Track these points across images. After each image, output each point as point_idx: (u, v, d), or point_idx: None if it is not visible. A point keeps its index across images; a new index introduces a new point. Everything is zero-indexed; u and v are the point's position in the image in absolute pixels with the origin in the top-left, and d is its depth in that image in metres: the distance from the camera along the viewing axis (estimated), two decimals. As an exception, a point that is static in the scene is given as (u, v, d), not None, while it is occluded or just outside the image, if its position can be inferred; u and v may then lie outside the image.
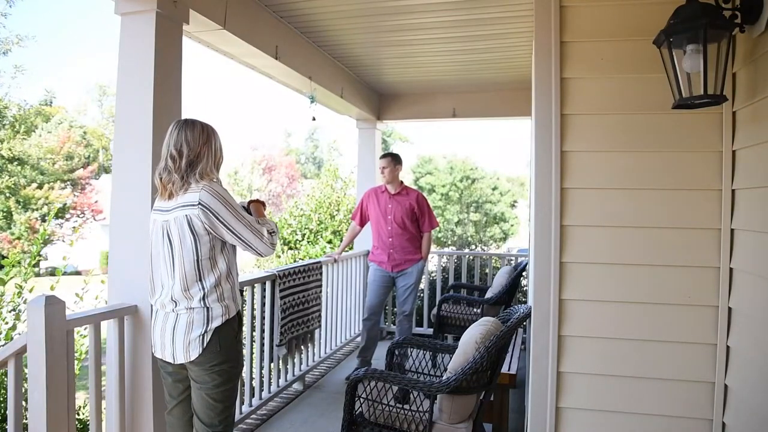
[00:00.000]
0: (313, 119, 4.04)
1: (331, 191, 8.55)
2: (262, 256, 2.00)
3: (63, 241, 20.26)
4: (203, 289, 1.88)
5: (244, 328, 3.16)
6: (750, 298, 1.87)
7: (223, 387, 1.94)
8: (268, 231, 1.97)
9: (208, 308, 1.88)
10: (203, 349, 1.87)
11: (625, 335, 2.14)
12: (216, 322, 1.88)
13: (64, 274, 3.89)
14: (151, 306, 2.05)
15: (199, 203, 1.85)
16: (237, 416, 3.04)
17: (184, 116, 2.46)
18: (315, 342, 4.14)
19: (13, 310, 3.52)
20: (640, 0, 2.09)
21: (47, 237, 19.17)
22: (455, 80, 5.03)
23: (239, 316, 2.00)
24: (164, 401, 2.11)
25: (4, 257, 3.80)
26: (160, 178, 1.93)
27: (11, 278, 3.63)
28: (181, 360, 1.90)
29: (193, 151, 1.91)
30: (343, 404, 2.23)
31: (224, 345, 1.90)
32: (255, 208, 2.11)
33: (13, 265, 3.69)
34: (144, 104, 2.30)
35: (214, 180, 1.95)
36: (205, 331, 1.87)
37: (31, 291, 3.61)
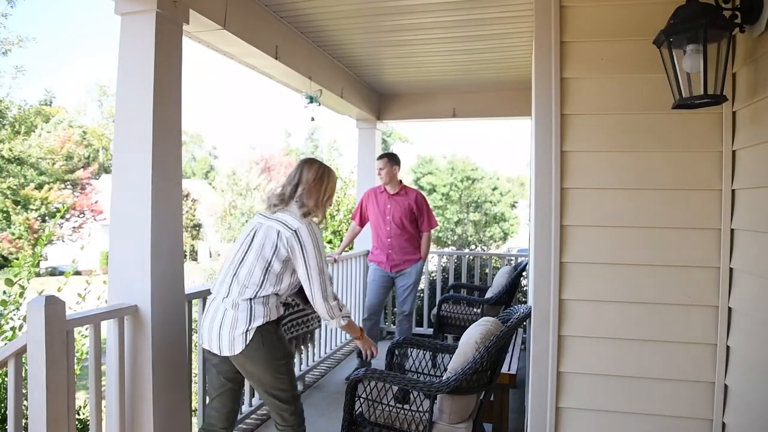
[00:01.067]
0: (312, 119, 4.04)
1: (331, 191, 8.54)
2: (315, 308, 2.15)
3: (63, 241, 20.25)
4: (257, 294, 2.06)
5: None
6: (750, 298, 1.87)
7: (276, 377, 2.09)
8: (336, 299, 2.15)
9: (251, 308, 2.04)
10: (246, 346, 2.02)
11: (625, 335, 2.14)
12: (257, 322, 2.03)
13: (61, 274, 3.92)
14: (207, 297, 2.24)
15: (296, 231, 2.07)
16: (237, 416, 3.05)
17: (184, 116, 2.48)
18: (315, 342, 4.13)
19: (16, 310, 3.53)
20: (640, 0, 2.09)
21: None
22: (455, 80, 5.03)
23: (279, 318, 2.14)
24: (207, 390, 2.28)
25: (5, 258, 3.81)
26: (269, 197, 2.22)
27: (19, 279, 3.64)
28: (227, 353, 2.05)
29: (304, 185, 2.18)
30: (343, 404, 2.23)
31: (267, 342, 2.05)
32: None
33: (16, 265, 3.70)
34: (144, 104, 2.30)
35: (316, 220, 2.19)
36: (248, 330, 2.02)
37: (41, 293, 3.62)
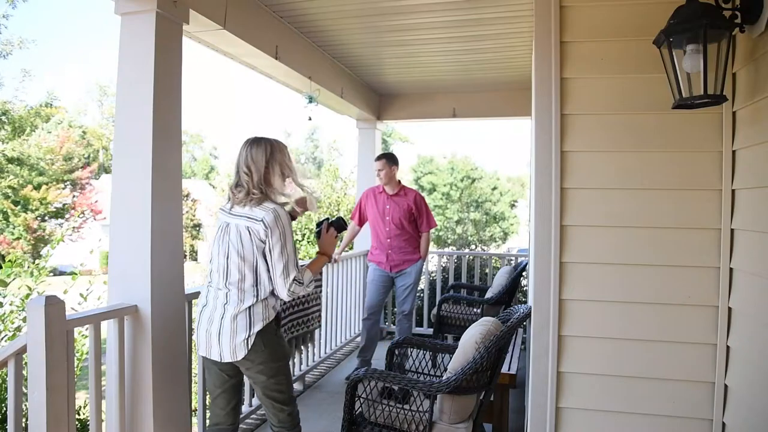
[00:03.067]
0: (309, 119, 4.03)
1: (331, 191, 8.55)
2: (278, 295, 2.09)
3: (63, 241, 20.23)
4: (256, 298, 2.03)
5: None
6: (750, 298, 1.87)
7: (275, 378, 2.09)
8: (295, 279, 2.05)
9: (251, 315, 2.02)
10: (249, 351, 2.02)
11: (625, 335, 2.14)
12: (257, 327, 2.02)
13: (62, 274, 3.94)
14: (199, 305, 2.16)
15: (263, 221, 2.01)
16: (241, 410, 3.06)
17: (184, 116, 2.47)
18: (315, 342, 4.14)
19: (22, 311, 3.55)
20: (640, 0, 2.09)
21: (47, 237, 19.16)
22: (455, 80, 5.02)
23: (277, 317, 2.12)
24: (209, 390, 2.26)
25: (4, 258, 3.82)
26: (231, 191, 2.12)
27: (13, 279, 3.64)
28: (228, 359, 2.04)
29: (257, 172, 2.08)
30: (343, 404, 2.23)
31: (268, 344, 2.05)
32: (318, 259, 2.27)
33: (18, 265, 3.71)
34: (144, 104, 2.30)
35: (283, 199, 2.13)
36: (249, 336, 2.01)
37: (41, 294, 3.64)
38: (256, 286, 2.05)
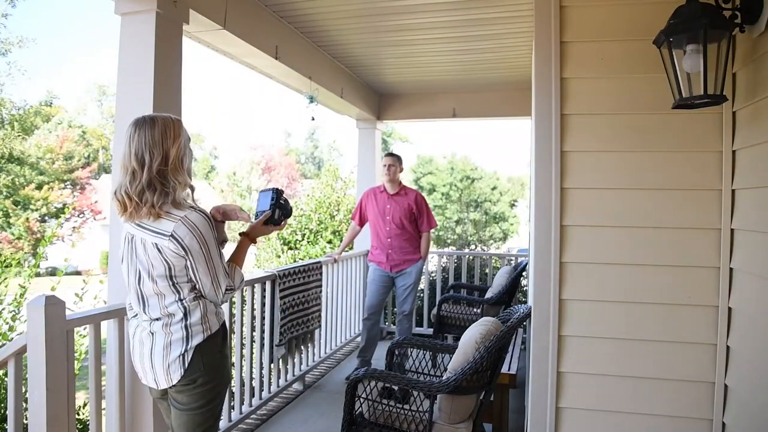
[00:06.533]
0: (312, 119, 4.05)
1: (331, 191, 8.55)
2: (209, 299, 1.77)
3: (63, 241, 20.27)
4: (183, 307, 1.69)
5: (243, 329, 3.16)
6: (750, 298, 1.87)
7: (207, 407, 1.75)
8: (227, 288, 1.74)
9: (187, 326, 1.69)
10: (185, 371, 1.68)
11: (625, 335, 2.14)
12: (197, 339, 1.69)
13: (65, 274, 3.93)
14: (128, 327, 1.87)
15: (173, 235, 1.62)
16: (237, 416, 3.05)
17: (184, 116, 2.46)
18: (315, 342, 4.14)
19: (15, 310, 3.54)
20: (640, 0, 2.09)
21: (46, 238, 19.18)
22: (455, 80, 5.03)
23: (224, 329, 1.81)
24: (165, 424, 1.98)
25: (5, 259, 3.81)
26: (126, 199, 1.63)
27: (5, 279, 3.64)
28: (164, 385, 1.72)
29: (157, 162, 1.62)
30: (343, 404, 2.23)
31: (207, 363, 1.71)
32: (242, 245, 1.88)
33: (7, 265, 3.70)
34: (144, 104, 2.30)
35: (189, 204, 1.70)
36: (186, 351, 1.68)
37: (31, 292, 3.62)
38: (181, 302, 1.69)
